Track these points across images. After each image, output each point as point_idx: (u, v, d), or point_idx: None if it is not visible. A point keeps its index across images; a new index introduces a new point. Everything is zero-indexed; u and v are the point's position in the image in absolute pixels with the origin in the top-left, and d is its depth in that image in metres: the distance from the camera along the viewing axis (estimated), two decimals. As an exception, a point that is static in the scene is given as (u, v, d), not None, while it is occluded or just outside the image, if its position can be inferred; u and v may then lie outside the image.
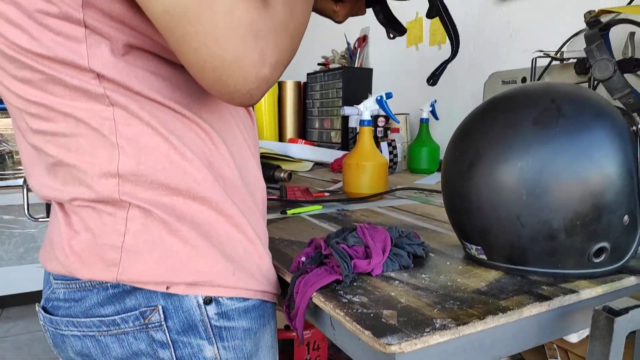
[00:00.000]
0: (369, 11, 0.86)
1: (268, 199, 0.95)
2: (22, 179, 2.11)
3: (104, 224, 0.47)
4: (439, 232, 0.73)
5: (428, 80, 0.93)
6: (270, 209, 0.89)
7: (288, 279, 0.55)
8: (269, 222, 0.80)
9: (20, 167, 2.41)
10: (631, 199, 0.52)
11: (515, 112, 0.52)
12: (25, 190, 1.85)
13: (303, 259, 0.54)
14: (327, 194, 1.07)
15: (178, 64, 0.49)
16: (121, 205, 0.46)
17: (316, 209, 0.91)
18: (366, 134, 1.02)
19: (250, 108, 0.61)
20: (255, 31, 0.40)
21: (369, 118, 1.02)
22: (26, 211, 1.60)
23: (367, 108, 1.02)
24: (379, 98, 1.07)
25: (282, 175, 1.24)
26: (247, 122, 0.58)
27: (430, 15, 0.83)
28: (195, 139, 0.49)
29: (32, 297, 2.41)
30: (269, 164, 1.28)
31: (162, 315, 0.48)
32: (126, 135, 0.46)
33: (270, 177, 1.25)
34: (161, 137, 0.47)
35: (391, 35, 0.91)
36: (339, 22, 0.83)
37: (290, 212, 0.86)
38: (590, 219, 0.50)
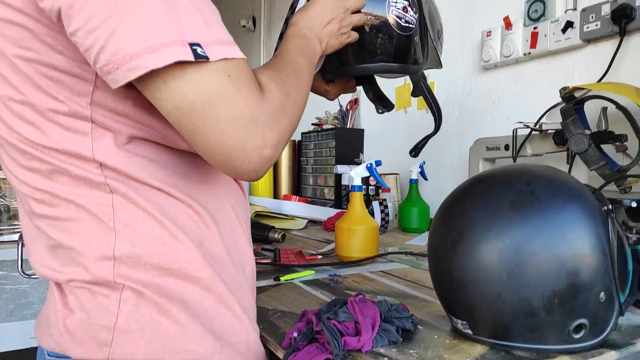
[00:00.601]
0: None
1: (262, 264, 0.97)
2: (17, 234, 2.11)
3: (98, 304, 0.49)
4: (427, 301, 0.75)
5: (411, 152, 0.98)
6: (263, 274, 0.91)
7: (280, 354, 0.56)
8: (263, 289, 0.82)
9: (16, 222, 2.41)
10: (606, 276, 0.55)
11: (494, 194, 0.56)
12: (20, 246, 1.85)
13: (295, 334, 0.56)
14: (319, 256, 1.09)
15: (176, 149, 0.53)
16: (115, 287, 0.49)
17: (309, 274, 0.93)
18: (357, 199, 1.06)
19: (243, 184, 0.65)
20: (256, 119, 0.45)
21: (360, 184, 1.06)
22: (19, 268, 1.60)
23: (358, 174, 1.06)
24: (369, 165, 1.12)
25: (276, 236, 1.26)
26: (239, 199, 0.62)
27: (414, 94, 0.89)
28: (188, 221, 0.53)
29: (18, 356, 2.34)
30: (263, 225, 1.30)
31: None
32: (123, 220, 0.49)
33: (264, 237, 1.27)
34: (156, 221, 0.50)
35: (380, 110, 0.96)
36: (331, 100, 0.90)
37: (283, 278, 0.88)
38: (568, 297, 0.53)
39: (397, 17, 0.79)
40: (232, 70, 0.44)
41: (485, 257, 0.54)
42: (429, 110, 0.88)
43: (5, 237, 2.20)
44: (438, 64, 0.91)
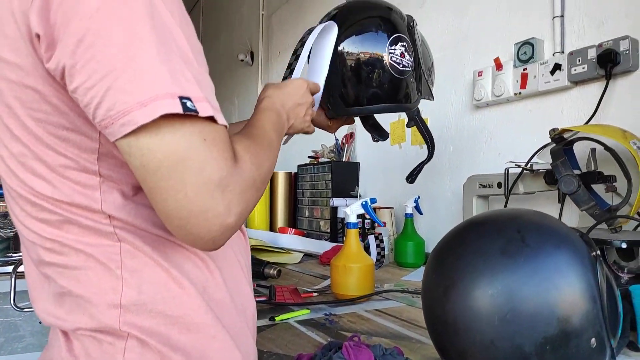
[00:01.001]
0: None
1: (258, 302, 0.97)
2: (11, 267, 2.09)
3: (104, 352, 0.49)
4: (422, 342, 0.76)
5: (407, 179, 1.04)
6: (259, 313, 0.90)
7: (276, 401, 0.56)
8: (259, 329, 0.82)
9: (10, 254, 2.39)
10: (596, 322, 0.56)
11: (485, 241, 0.58)
12: (13, 278, 1.83)
13: (290, 380, 0.56)
14: (315, 294, 1.09)
15: None
16: (121, 335, 0.49)
17: (304, 313, 0.93)
18: (353, 236, 1.07)
19: (244, 228, 0.66)
20: (224, 186, 0.44)
21: (355, 221, 1.08)
22: (12, 300, 1.58)
23: (353, 212, 1.08)
24: (364, 203, 1.13)
25: (271, 272, 1.27)
26: (241, 245, 0.63)
27: (409, 125, 0.97)
28: (193, 268, 0.54)
29: (6, 392, 2.28)
30: (259, 260, 1.31)
31: None
32: (130, 268, 0.50)
33: (259, 273, 1.27)
34: (161, 269, 0.51)
35: (375, 139, 1.02)
36: (332, 133, 0.96)
37: (278, 318, 0.88)
38: (559, 343, 0.54)
39: (396, 62, 0.85)
40: (209, 135, 0.44)
41: (478, 304, 0.55)
42: (422, 146, 0.95)
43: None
44: (430, 96, 0.97)
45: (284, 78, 0.82)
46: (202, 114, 0.43)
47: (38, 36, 0.43)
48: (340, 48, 0.84)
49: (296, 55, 0.83)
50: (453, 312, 0.57)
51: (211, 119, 0.44)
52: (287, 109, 0.72)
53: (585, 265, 0.57)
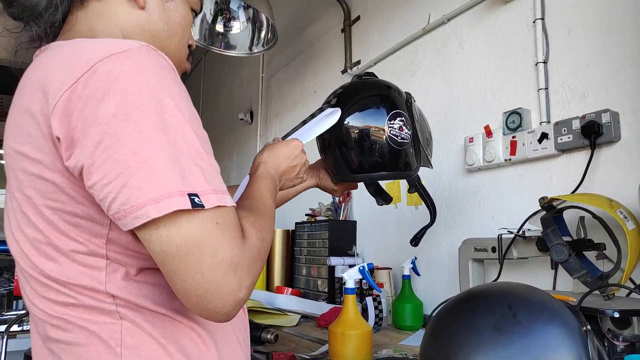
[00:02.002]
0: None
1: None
2: (4, 326, 2.07)
3: None
4: (421, 416, 0.75)
5: (411, 242, 1.11)
6: (257, 383, 0.90)
7: None
8: (256, 401, 0.81)
9: (2, 312, 2.37)
10: (590, 398, 0.57)
11: (478, 318, 0.60)
12: (5, 339, 1.80)
13: None
14: (313, 361, 1.09)
15: None
16: None
17: (302, 382, 0.92)
18: (350, 302, 1.08)
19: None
20: (235, 265, 0.49)
21: (353, 286, 1.09)
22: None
23: (351, 277, 1.09)
24: (361, 268, 1.15)
25: (268, 337, 1.26)
26: (239, 320, 0.65)
27: (410, 190, 1.05)
28: (189, 344, 0.56)
29: None
30: (256, 325, 1.30)
31: None
32: (129, 345, 0.52)
33: (256, 338, 1.27)
34: (159, 345, 0.53)
35: (380, 203, 1.10)
36: (337, 196, 1.03)
37: (276, 389, 0.88)
38: (554, 422, 0.55)
39: (394, 135, 0.94)
40: (220, 219, 0.49)
41: (473, 381, 0.56)
42: (418, 207, 1.02)
43: (-9, 329, 2.14)
44: (428, 164, 1.05)
45: (284, 137, 0.90)
46: (207, 206, 0.48)
47: (58, 138, 0.48)
48: (345, 122, 0.94)
49: (303, 121, 0.92)
50: (449, 389, 0.58)
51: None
52: (280, 172, 0.79)
53: (576, 341, 0.59)
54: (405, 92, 1.01)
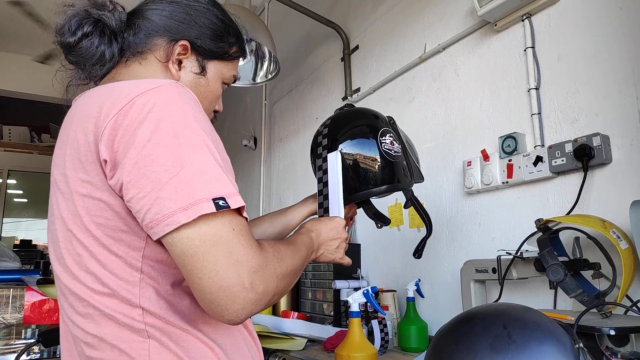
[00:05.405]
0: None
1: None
2: (14, 355, 2.09)
3: None
4: None
5: (414, 254, 1.15)
6: (266, 407, 0.93)
7: None
8: None
9: (11, 342, 2.39)
10: (585, 414, 0.60)
11: (475, 338, 0.63)
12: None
13: None
14: (320, 384, 1.11)
15: None
16: None
17: (310, 405, 0.95)
18: (356, 325, 1.11)
19: (252, 330, 0.72)
20: (249, 267, 0.54)
21: (358, 310, 1.12)
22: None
23: (356, 301, 1.13)
24: (365, 292, 1.18)
25: (276, 361, 1.28)
26: (250, 343, 0.69)
27: (406, 205, 1.11)
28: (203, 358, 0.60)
29: None
30: (264, 349, 1.33)
31: None
32: None
33: (265, 362, 1.29)
34: None
35: (379, 225, 1.14)
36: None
37: (285, 412, 0.90)
38: None
39: (388, 150, 1.03)
40: (236, 226, 0.55)
41: (472, 399, 0.59)
42: (420, 229, 1.06)
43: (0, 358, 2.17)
44: (420, 178, 1.12)
45: (320, 206, 0.99)
46: (233, 206, 0.54)
47: (105, 161, 0.56)
48: (339, 148, 1.01)
49: (319, 179, 1.01)
50: (450, 407, 0.61)
51: (237, 211, 0.56)
52: (320, 239, 0.84)
53: (569, 358, 0.62)
54: (387, 116, 1.10)
